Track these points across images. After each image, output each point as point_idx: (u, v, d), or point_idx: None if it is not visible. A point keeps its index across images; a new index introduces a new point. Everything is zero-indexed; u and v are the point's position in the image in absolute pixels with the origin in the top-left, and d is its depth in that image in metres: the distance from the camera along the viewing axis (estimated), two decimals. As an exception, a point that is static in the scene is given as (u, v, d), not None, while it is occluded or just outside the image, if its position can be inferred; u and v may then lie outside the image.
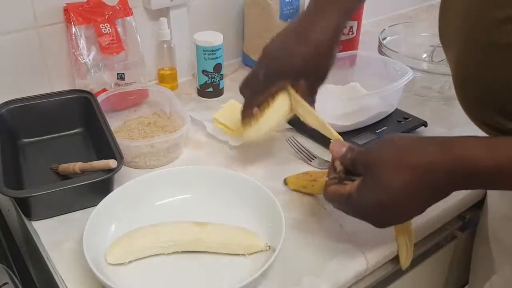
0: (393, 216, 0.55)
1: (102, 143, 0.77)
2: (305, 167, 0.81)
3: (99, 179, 0.68)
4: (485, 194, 0.77)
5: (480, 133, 0.57)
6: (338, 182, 0.58)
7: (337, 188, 0.57)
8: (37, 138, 0.84)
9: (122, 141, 0.77)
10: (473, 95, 0.55)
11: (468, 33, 0.52)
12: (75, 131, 0.86)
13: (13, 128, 0.81)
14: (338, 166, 0.59)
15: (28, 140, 0.83)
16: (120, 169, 0.69)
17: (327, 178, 0.60)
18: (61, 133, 0.85)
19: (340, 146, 0.59)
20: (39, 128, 0.83)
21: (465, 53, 0.53)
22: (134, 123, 0.86)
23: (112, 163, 0.68)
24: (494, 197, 0.70)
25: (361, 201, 0.54)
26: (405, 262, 0.66)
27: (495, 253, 0.70)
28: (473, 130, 0.92)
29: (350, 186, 0.56)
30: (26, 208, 0.69)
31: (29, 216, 0.69)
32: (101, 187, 0.69)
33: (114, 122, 0.84)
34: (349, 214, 0.58)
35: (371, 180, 0.53)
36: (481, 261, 0.75)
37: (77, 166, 0.72)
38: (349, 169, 0.58)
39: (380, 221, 0.56)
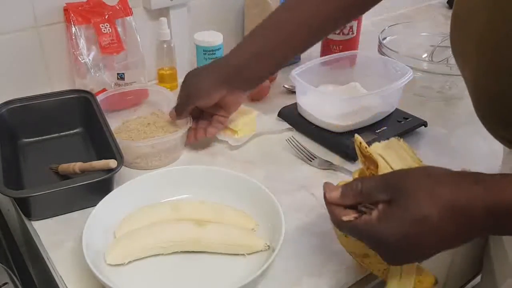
0: (415, 252, 0.48)
1: (102, 143, 0.77)
2: (305, 167, 0.81)
3: (99, 179, 0.68)
4: None
5: (495, 142, 0.56)
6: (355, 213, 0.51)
7: (351, 218, 0.50)
8: (37, 138, 0.84)
9: (123, 141, 0.77)
10: (493, 109, 0.53)
11: (491, 43, 0.50)
12: (74, 131, 0.86)
13: (12, 128, 0.81)
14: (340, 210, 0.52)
15: (27, 140, 0.83)
16: (120, 169, 0.69)
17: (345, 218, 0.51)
18: (61, 133, 0.85)
19: (334, 187, 0.53)
20: (38, 128, 0.83)
21: (487, 67, 0.51)
22: (134, 123, 0.85)
23: (112, 163, 0.68)
24: None
25: (384, 230, 0.47)
26: None
27: (510, 257, 0.69)
28: (473, 130, 0.92)
29: (370, 213, 0.49)
30: (26, 208, 0.69)
31: (29, 216, 0.69)
32: (101, 187, 0.69)
33: (114, 122, 0.84)
34: (364, 241, 0.50)
35: (398, 207, 0.46)
36: (495, 263, 0.75)
37: (77, 166, 0.72)
38: (361, 202, 0.51)
39: (397, 256, 0.49)
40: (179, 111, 0.81)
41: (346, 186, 0.52)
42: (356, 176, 0.58)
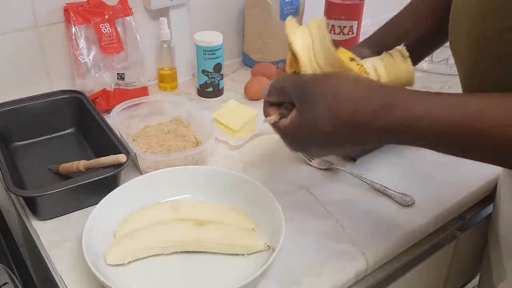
0: (317, 149, 0.56)
1: (101, 141, 0.77)
2: (305, 167, 0.81)
3: (111, 173, 0.68)
4: (495, 200, 0.76)
5: None
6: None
7: (276, 120, 0.56)
8: (29, 141, 0.84)
9: (141, 153, 0.76)
10: None
11: (475, 44, 0.51)
12: (67, 131, 0.87)
13: (4, 132, 0.81)
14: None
15: (20, 143, 0.83)
16: (128, 164, 0.70)
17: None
18: (53, 134, 0.86)
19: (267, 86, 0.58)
20: (30, 130, 0.83)
21: (474, 64, 0.52)
22: (153, 129, 0.84)
23: (122, 157, 0.69)
24: (508, 205, 0.69)
25: (292, 134, 0.54)
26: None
27: (505, 259, 0.69)
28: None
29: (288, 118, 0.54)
30: (35, 207, 0.68)
31: (39, 216, 0.69)
32: (111, 182, 0.69)
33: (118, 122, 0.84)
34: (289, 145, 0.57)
35: (301, 114, 0.52)
36: (493, 265, 0.75)
37: (81, 164, 0.72)
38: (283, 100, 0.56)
39: (311, 152, 0.60)
40: None
41: (272, 84, 0.57)
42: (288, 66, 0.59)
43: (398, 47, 0.60)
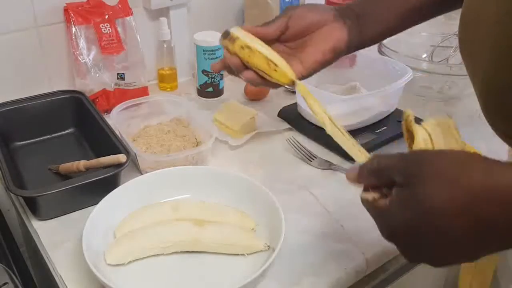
0: (425, 245, 0.42)
1: (101, 141, 0.77)
2: (305, 167, 0.81)
3: (111, 173, 0.68)
4: None
5: (495, 142, 0.55)
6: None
7: (370, 199, 0.46)
8: (30, 141, 0.84)
9: (141, 153, 0.76)
10: (502, 107, 0.53)
11: (496, 50, 0.49)
12: (67, 131, 0.87)
13: (4, 132, 0.81)
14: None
15: (20, 143, 0.83)
16: (128, 163, 0.70)
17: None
18: (53, 134, 0.86)
19: (354, 168, 0.48)
20: (30, 130, 0.83)
21: (494, 70, 0.50)
22: (153, 129, 0.84)
23: (122, 157, 0.69)
24: None
25: (393, 218, 0.43)
26: None
27: (510, 261, 0.69)
28: (473, 130, 0.92)
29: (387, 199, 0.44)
30: (35, 207, 0.68)
31: (39, 216, 0.69)
32: (111, 182, 0.69)
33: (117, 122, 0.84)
34: (378, 227, 0.46)
35: (410, 193, 0.41)
36: (499, 266, 0.74)
37: (82, 164, 0.72)
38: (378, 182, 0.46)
39: (408, 248, 0.44)
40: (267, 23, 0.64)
41: (363, 164, 0.48)
42: None
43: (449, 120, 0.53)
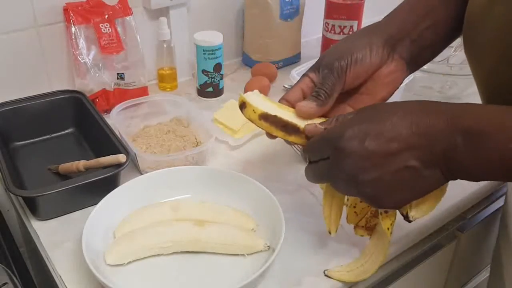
0: (372, 167, 0.46)
1: (101, 141, 0.77)
2: (305, 167, 0.80)
3: (111, 173, 0.68)
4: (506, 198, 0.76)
5: None
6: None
7: (321, 127, 0.52)
8: (29, 141, 0.84)
9: (141, 153, 0.75)
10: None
11: (501, 51, 0.50)
12: (66, 131, 0.87)
13: (4, 132, 0.81)
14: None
15: (20, 143, 0.83)
16: (128, 163, 0.70)
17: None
18: (53, 134, 0.86)
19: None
20: (30, 130, 0.83)
21: (501, 64, 0.51)
22: (153, 129, 0.84)
23: (122, 157, 0.69)
24: None
25: (344, 131, 0.47)
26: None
27: None
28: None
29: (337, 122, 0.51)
30: (35, 207, 0.68)
31: (39, 216, 0.69)
32: (110, 182, 0.69)
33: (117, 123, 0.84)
34: (324, 150, 0.50)
35: (362, 117, 0.48)
36: (504, 264, 0.74)
37: (81, 164, 0.72)
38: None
39: (354, 172, 0.47)
40: (329, 91, 0.54)
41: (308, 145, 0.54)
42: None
43: None
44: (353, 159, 0.47)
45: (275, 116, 0.54)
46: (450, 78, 0.96)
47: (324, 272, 0.61)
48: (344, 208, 0.60)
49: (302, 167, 0.80)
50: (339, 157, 0.48)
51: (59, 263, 0.62)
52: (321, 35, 1.12)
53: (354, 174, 0.47)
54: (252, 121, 0.56)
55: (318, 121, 0.54)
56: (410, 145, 0.45)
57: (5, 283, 0.55)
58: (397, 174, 0.46)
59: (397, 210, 0.53)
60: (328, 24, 1.08)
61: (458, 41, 1.06)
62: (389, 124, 0.46)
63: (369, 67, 0.56)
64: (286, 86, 1.03)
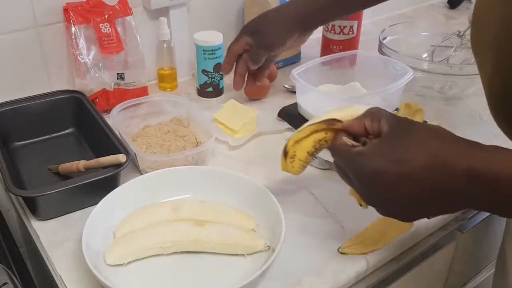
0: (389, 194, 0.48)
1: (101, 141, 0.77)
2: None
3: (111, 173, 0.68)
4: None
5: (496, 142, 0.56)
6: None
7: (348, 143, 0.52)
8: (29, 141, 0.84)
9: (141, 153, 0.75)
10: (504, 109, 0.54)
11: (501, 52, 0.50)
12: (66, 131, 0.86)
13: (4, 132, 0.81)
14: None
15: (20, 143, 0.83)
16: (128, 163, 0.70)
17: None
18: (53, 135, 0.86)
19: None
20: (30, 130, 0.83)
21: (502, 62, 0.51)
22: (153, 129, 0.83)
23: (122, 157, 0.69)
24: None
25: (367, 162, 0.48)
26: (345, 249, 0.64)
27: None
28: (474, 130, 0.92)
29: (365, 146, 0.51)
30: (35, 207, 0.68)
31: (39, 216, 0.69)
32: (110, 182, 0.69)
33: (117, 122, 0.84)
34: (349, 176, 0.52)
35: (388, 144, 0.48)
36: (508, 263, 0.74)
37: (81, 164, 0.72)
38: (367, 129, 0.52)
39: (372, 193, 0.50)
40: (255, 60, 0.83)
41: (368, 109, 0.54)
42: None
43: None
44: (373, 192, 0.50)
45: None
46: (450, 78, 0.96)
47: (338, 250, 0.64)
48: None
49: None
50: (360, 184, 0.51)
51: (59, 263, 0.62)
52: (321, 35, 1.12)
53: (372, 200, 0.51)
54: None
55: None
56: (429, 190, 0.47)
57: (5, 283, 0.55)
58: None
59: None
60: (328, 24, 1.08)
61: (458, 41, 1.06)
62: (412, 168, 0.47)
63: (285, 49, 0.83)
64: (286, 86, 1.03)
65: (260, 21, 0.83)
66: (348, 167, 0.51)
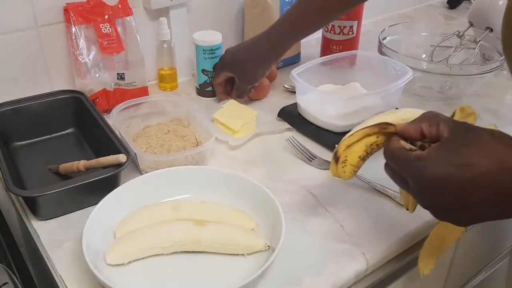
0: (450, 200, 0.47)
1: (102, 141, 0.77)
2: (305, 167, 0.81)
3: (111, 173, 0.68)
4: None
5: None
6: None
7: (406, 147, 0.51)
8: (29, 141, 0.84)
9: (141, 153, 0.75)
10: None
11: None
12: (67, 131, 0.86)
13: (4, 132, 0.81)
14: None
15: (20, 143, 0.83)
16: (128, 164, 0.70)
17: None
18: (53, 134, 0.86)
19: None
20: (30, 130, 0.83)
21: None
22: (153, 129, 0.84)
23: (122, 157, 0.69)
24: None
25: (429, 167, 0.47)
26: (422, 268, 0.64)
27: None
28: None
29: (425, 150, 0.49)
30: (35, 207, 0.68)
31: (39, 216, 0.69)
32: (111, 182, 0.69)
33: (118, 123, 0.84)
34: (406, 180, 0.50)
35: (451, 149, 0.47)
36: None
37: (81, 164, 0.72)
38: (425, 134, 0.51)
39: (431, 199, 0.48)
40: (241, 95, 0.94)
41: (423, 114, 0.54)
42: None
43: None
44: (430, 199, 0.49)
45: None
46: (450, 78, 0.96)
47: (419, 277, 0.65)
48: None
49: (302, 167, 0.81)
50: (417, 190, 0.49)
51: (59, 263, 0.62)
52: (321, 35, 1.12)
53: (432, 205, 0.50)
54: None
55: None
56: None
57: (5, 283, 0.55)
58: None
59: None
60: (328, 24, 1.08)
61: (458, 41, 1.06)
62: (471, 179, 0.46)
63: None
64: (286, 86, 1.03)
65: (236, 60, 0.91)
66: (406, 171, 0.50)
